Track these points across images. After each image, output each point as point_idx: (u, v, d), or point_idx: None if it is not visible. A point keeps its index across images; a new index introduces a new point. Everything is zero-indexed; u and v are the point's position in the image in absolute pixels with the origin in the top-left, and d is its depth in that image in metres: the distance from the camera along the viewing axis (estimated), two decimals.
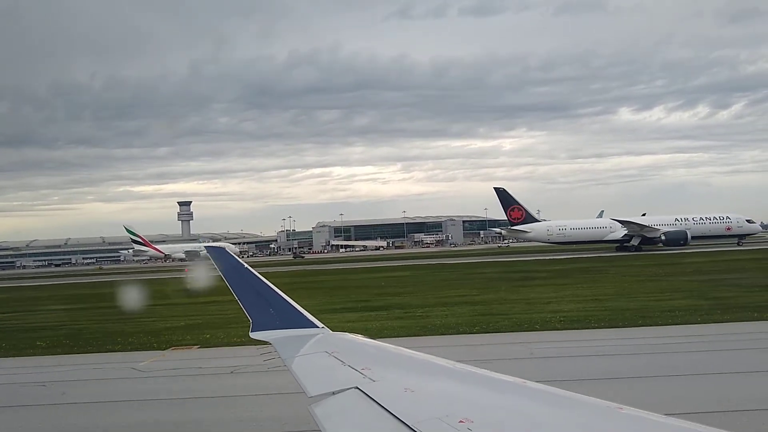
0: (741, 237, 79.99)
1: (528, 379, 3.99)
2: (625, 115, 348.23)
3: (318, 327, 6.14)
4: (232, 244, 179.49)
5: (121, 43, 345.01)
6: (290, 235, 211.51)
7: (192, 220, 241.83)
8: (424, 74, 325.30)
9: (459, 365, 4.48)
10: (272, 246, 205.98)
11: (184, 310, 31.64)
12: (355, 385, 4.16)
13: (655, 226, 79.49)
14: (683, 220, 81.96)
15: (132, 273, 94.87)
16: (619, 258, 65.79)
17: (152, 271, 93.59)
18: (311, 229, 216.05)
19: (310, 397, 4.22)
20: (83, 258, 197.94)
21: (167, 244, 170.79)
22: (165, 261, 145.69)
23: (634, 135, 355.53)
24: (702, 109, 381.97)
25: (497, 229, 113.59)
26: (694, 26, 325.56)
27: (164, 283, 55.68)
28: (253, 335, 6.22)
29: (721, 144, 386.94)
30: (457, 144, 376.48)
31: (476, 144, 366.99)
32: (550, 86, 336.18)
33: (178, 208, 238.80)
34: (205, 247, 8.11)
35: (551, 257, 72.60)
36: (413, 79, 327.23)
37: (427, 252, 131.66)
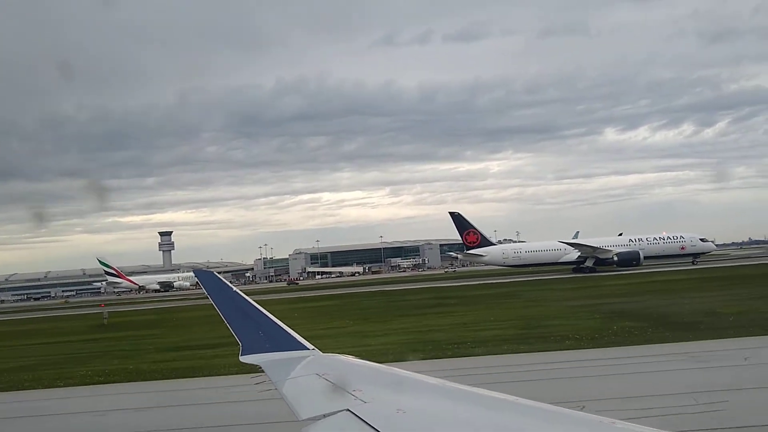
0: (695, 255, 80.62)
1: None
2: (611, 135, 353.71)
3: (308, 349, 6.08)
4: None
5: (108, 73, 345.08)
6: (267, 262, 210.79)
7: (173, 249, 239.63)
8: (411, 99, 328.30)
9: (450, 384, 4.45)
10: (248, 275, 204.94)
11: (36, 350, 32.15)
12: (346, 408, 4.11)
13: (608, 248, 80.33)
14: (637, 240, 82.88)
15: (74, 307, 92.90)
16: (556, 281, 65.69)
17: (108, 304, 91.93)
18: (287, 257, 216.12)
19: (301, 421, 4.16)
20: (62, 291, 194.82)
21: (147, 275, 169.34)
22: (139, 292, 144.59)
23: (620, 155, 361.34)
24: (687, 128, 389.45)
25: (453, 254, 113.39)
26: (676, 47, 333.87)
27: (79, 319, 56.17)
28: (243, 359, 6.14)
29: (707, 162, 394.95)
30: (444, 167, 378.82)
31: (464, 167, 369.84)
32: (536, 108, 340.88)
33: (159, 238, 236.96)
34: (194, 272, 8.05)
35: (485, 281, 72.98)
36: (400, 104, 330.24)
37: (388, 278, 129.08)
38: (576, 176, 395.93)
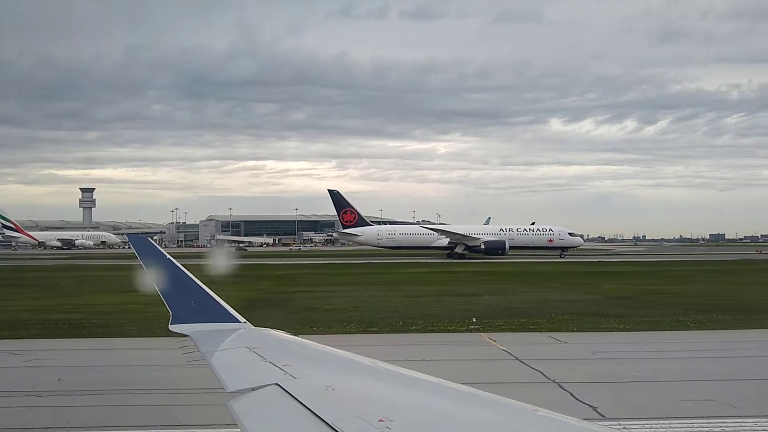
0: (563, 249, 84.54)
1: None
2: (556, 125, 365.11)
3: (239, 321, 6.05)
4: (114, 234, 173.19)
5: (53, 21, 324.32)
6: (179, 227, 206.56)
7: (94, 207, 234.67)
8: (363, 74, 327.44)
9: (381, 364, 4.54)
10: (155, 238, 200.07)
11: None
12: (275, 382, 4.13)
13: (475, 236, 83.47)
14: (507, 230, 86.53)
15: None
16: (381, 265, 64.90)
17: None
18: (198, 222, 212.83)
19: (229, 393, 4.16)
20: None
21: (67, 231, 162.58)
22: (37, 248, 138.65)
23: (564, 145, 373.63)
24: (629, 124, 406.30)
25: (330, 232, 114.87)
26: (625, 43, 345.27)
27: None
28: (173, 328, 6.04)
29: (646, 158, 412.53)
30: (393, 144, 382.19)
31: (412, 146, 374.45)
32: (486, 93, 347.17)
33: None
34: (127, 236, 7.82)
35: (312, 261, 73.71)
36: (352, 77, 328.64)
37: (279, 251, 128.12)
38: (520, 163, 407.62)
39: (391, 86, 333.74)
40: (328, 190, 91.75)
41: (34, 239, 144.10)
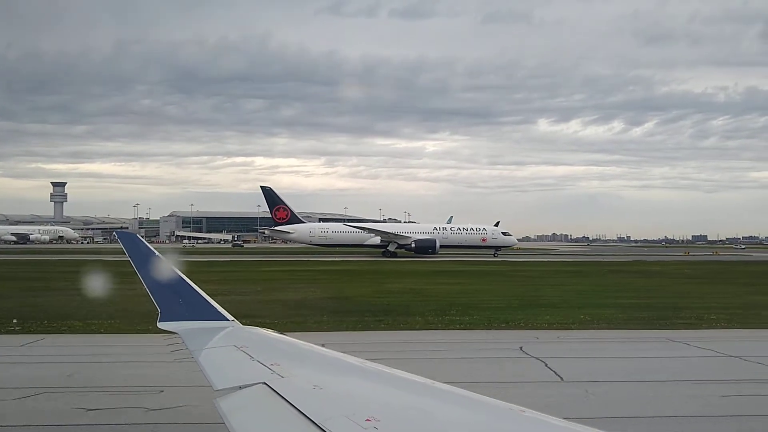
0: (497, 248, 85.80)
1: None
2: (544, 125, 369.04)
3: (228, 320, 6.07)
4: (72, 229, 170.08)
5: (41, 14, 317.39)
6: (142, 222, 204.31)
7: (65, 201, 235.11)
8: (352, 71, 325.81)
9: (369, 364, 4.63)
10: (114, 233, 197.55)
11: None
12: (263, 381, 4.19)
13: (406, 234, 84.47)
14: (441, 229, 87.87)
15: None
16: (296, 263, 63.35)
17: None
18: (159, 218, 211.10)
19: (216, 391, 4.20)
20: None
21: (35, 225, 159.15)
22: None
23: (552, 145, 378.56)
24: (617, 125, 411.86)
25: (263, 229, 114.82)
26: (613, 45, 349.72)
27: None
28: (161, 325, 6.04)
29: (633, 159, 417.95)
30: (381, 142, 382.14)
31: (401, 144, 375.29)
32: (475, 93, 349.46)
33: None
34: (116, 233, 7.69)
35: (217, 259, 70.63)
36: (341, 75, 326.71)
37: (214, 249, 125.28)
38: (508, 163, 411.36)
39: (380, 83, 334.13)
40: (261, 187, 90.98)
41: None
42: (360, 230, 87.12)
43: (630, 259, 79.93)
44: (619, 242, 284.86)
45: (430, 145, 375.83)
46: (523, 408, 3.67)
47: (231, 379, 4.37)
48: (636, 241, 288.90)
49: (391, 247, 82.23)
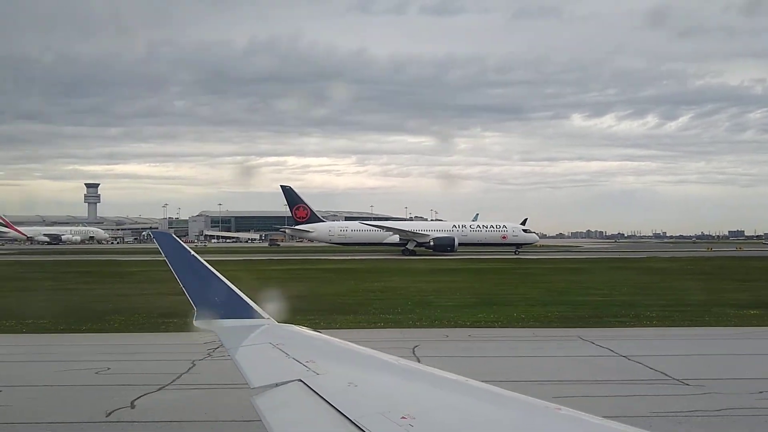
0: (518, 246, 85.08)
1: None
2: (577, 120, 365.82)
3: (264, 318, 6.14)
4: (103, 230, 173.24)
5: (75, 18, 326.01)
6: (172, 222, 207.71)
7: (99, 202, 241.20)
8: (382, 69, 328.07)
9: (403, 361, 4.65)
10: (144, 233, 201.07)
11: None
12: (298, 378, 4.24)
13: (424, 232, 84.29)
14: (460, 227, 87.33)
15: None
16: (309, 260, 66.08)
17: None
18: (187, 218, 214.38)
19: (253, 389, 4.26)
20: None
21: (38, 226, 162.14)
22: (26, 243, 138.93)
23: (585, 141, 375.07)
24: (651, 119, 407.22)
25: (283, 228, 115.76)
26: (645, 38, 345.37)
27: None
28: (197, 324, 6.14)
29: (668, 154, 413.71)
30: (412, 140, 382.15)
31: (431, 141, 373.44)
32: (506, 88, 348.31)
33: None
34: (152, 233, 7.82)
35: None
36: (371, 73, 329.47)
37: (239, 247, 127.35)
38: (540, 159, 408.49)
39: (410, 81, 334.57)
40: (281, 186, 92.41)
41: (24, 234, 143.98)
42: (378, 228, 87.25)
43: (644, 255, 78.87)
44: (654, 238, 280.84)
45: (461, 141, 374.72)
46: (559, 406, 3.65)
47: (267, 377, 4.42)
48: (671, 237, 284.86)
49: (410, 246, 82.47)
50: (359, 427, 3.42)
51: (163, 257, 6.68)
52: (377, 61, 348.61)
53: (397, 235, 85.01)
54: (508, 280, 38.99)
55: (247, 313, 6.21)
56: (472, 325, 19.56)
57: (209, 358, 12.41)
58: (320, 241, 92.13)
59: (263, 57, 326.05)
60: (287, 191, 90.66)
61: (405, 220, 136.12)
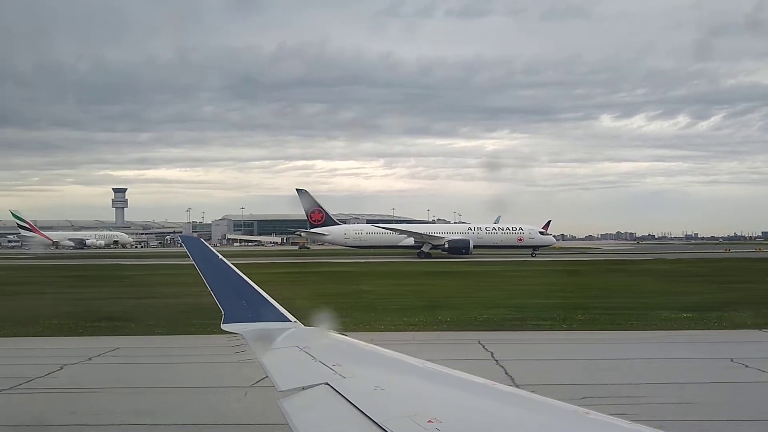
0: (534, 248, 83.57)
1: None
2: (607, 121, 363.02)
3: (290, 321, 6.21)
4: (127, 234, 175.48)
5: (106, 25, 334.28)
6: (195, 226, 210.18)
7: (126, 207, 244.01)
8: (409, 72, 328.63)
9: (429, 364, 4.67)
10: (167, 237, 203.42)
11: None
12: (325, 381, 4.27)
13: (439, 235, 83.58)
14: (476, 229, 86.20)
15: None
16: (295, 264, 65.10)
17: None
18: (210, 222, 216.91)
19: (280, 392, 4.29)
20: None
21: (63, 231, 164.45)
22: (51, 247, 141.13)
23: (615, 141, 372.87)
24: (682, 119, 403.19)
25: (299, 231, 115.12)
26: (676, 37, 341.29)
27: None
28: (225, 327, 6.24)
29: (700, 154, 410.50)
30: (439, 142, 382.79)
31: (459, 143, 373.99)
32: (534, 90, 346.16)
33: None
34: (180, 237, 7.96)
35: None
36: (399, 76, 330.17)
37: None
38: (570, 160, 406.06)
39: (437, 84, 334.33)
40: (296, 189, 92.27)
41: (49, 239, 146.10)
42: (392, 231, 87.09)
43: (650, 257, 77.15)
44: (684, 240, 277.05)
45: (489, 143, 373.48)
46: (588, 410, 3.64)
47: (294, 380, 4.46)
48: (702, 239, 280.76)
49: (425, 248, 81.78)
50: (386, 431, 3.43)
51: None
52: (404, 64, 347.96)
53: (411, 239, 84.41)
54: (486, 283, 38.23)
55: (274, 316, 6.28)
56: (386, 329, 19.27)
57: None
58: (335, 244, 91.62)
59: (291, 62, 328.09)
60: (303, 194, 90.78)
61: (426, 222, 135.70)
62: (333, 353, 4.96)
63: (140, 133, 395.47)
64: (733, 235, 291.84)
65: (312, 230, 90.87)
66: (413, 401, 4.05)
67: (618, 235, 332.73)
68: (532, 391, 4.18)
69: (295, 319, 6.18)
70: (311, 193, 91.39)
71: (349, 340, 5.66)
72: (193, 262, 6.80)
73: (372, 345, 5.23)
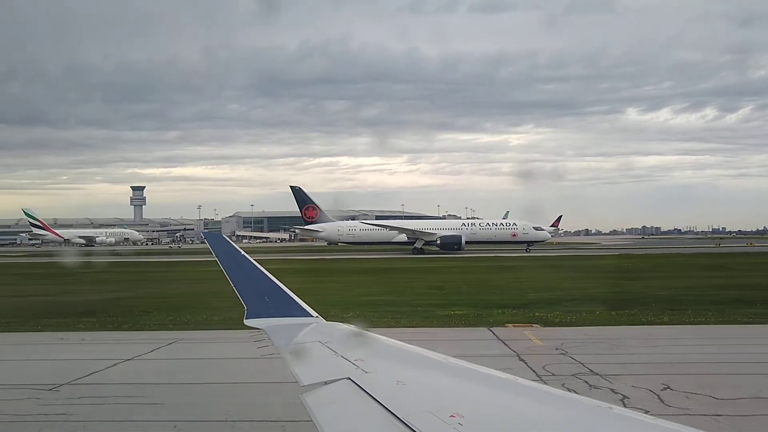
0: (529, 243, 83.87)
1: None
2: (633, 115, 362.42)
3: (312, 316, 6.29)
4: (138, 231, 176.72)
5: (132, 25, 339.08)
6: (207, 223, 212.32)
7: (144, 205, 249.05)
8: (432, 68, 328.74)
9: (452, 359, 4.70)
10: (177, 234, 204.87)
11: None
12: (347, 376, 4.33)
13: (431, 231, 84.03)
14: (469, 225, 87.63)
15: None
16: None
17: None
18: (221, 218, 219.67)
19: (302, 387, 4.34)
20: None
21: (74, 228, 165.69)
22: (63, 245, 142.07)
23: (641, 135, 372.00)
24: (709, 112, 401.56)
25: (293, 228, 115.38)
26: (702, 29, 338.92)
27: None
28: (248, 322, 6.33)
29: (729, 147, 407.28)
30: (463, 138, 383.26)
31: (483, 138, 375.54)
32: (558, 84, 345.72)
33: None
34: (203, 234, 8.10)
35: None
36: (422, 72, 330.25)
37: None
38: (596, 154, 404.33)
39: (460, 79, 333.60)
40: (291, 187, 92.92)
41: (60, 236, 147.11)
42: (385, 228, 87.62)
43: (641, 253, 76.96)
44: (710, 234, 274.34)
45: (514, 138, 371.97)
46: (611, 405, 3.65)
47: (316, 375, 4.51)
48: (730, 233, 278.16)
49: (418, 244, 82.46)
50: (408, 426, 3.47)
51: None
52: (427, 59, 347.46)
53: (403, 235, 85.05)
54: (442, 280, 38.21)
55: (296, 311, 6.38)
56: None
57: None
58: (330, 241, 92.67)
59: (315, 60, 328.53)
60: (296, 192, 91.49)
61: (437, 218, 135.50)
62: (355, 348, 5.01)
63: (166, 132, 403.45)
64: (762, 228, 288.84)
65: (306, 227, 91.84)
66: (435, 396, 4.07)
67: (644, 230, 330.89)
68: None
69: (317, 314, 6.24)
70: (305, 190, 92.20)
71: (371, 335, 5.70)
72: (216, 259, 6.88)
73: (394, 340, 5.27)
